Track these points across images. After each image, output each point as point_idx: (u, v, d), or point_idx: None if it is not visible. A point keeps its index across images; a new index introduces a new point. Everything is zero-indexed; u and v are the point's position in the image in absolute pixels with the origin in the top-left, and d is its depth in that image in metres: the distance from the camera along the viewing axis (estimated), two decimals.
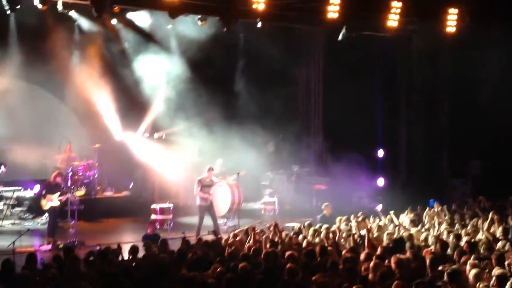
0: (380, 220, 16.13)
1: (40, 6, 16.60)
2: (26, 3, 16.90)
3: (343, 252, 11.95)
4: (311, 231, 14.20)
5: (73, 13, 20.25)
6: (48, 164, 20.35)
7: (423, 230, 14.80)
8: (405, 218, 16.36)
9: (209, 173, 18.42)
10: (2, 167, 19.48)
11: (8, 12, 16.93)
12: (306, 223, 15.56)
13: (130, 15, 21.45)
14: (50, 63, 20.67)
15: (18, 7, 16.76)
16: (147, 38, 22.28)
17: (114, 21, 21.31)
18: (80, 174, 20.72)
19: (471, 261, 10.75)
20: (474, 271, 10.07)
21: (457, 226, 15.34)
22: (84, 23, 21.16)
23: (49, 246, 16.39)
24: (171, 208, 18.67)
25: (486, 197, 18.09)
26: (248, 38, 23.27)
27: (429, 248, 12.46)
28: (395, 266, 10.49)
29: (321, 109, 24.82)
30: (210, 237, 15.14)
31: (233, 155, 21.40)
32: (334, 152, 23.82)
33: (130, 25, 21.90)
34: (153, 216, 18.76)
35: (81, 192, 20.13)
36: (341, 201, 21.04)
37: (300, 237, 14.12)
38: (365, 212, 16.54)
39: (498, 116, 21.87)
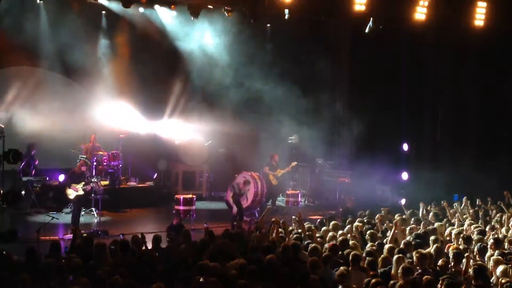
0: (404, 214, 16.05)
1: None
2: None
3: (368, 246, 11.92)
4: (332, 224, 14.15)
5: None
6: (74, 154, 20.45)
7: (447, 225, 14.70)
8: (430, 212, 16.27)
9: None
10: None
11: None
12: (328, 216, 15.53)
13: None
14: (77, 52, 20.79)
15: None
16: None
17: (141, 10, 21.40)
18: (105, 163, 20.82)
19: (495, 257, 10.67)
20: (501, 267, 9.99)
21: (481, 221, 15.22)
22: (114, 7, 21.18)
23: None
24: (194, 199, 18.72)
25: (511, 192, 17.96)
26: (274, 30, 23.25)
27: (453, 243, 12.38)
28: (417, 260, 10.43)
29: (346, 102, 24.71)
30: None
31: (259, 148, 21.42)
32: (358, 145, 23.74)
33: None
34: (176, 207, 18.82)
35: (105, 181, 20.20)
36: (364, 195, 21.03)
37: (323, 229, 14.06)
38: (389, 206, 16.46)
39: None
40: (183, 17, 21.19)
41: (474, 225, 14.01)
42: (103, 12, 21.73)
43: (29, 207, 19.11)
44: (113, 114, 21.61)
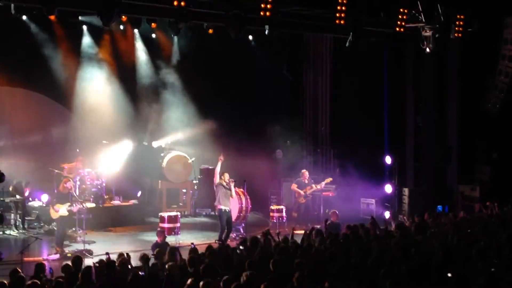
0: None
1: None
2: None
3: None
4: (318, 238, 14.14)
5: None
6: (56, 173, 20.34)
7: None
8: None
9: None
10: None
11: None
12: (314, 231, 15.52)
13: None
14: (56, 71, 20.75)
15: None
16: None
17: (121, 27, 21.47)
18: (88, 183, 20.72)
19: None
20: None
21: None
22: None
23: (57, 255, 16.38)
24: (179, 216, 18.66)
25: (494, 203, 18.06)
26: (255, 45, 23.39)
27: None
28: None
29: (328, 115, 24.80)
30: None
31: (240, 163, 21.42)
32: (341, 159, 23.81)
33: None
34: (160, 225, 18.75)
35: (91, 204, 20.08)
36: (348, 208, 21.07)
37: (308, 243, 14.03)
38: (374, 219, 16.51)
39: (507, 121, 21.83)
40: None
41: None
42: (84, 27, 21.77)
43: (13, 228, 18.97)
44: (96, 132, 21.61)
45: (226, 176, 18.45)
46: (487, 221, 16.00)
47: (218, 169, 18.55)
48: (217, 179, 18.41)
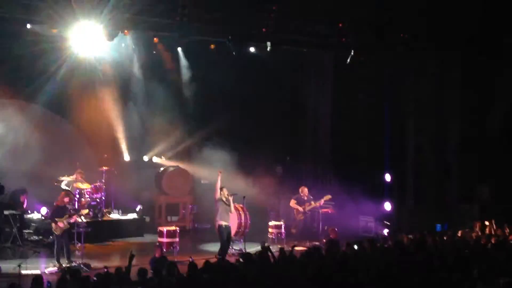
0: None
1: None
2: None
3: None
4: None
5: None
6: (55, 186, 20.32)
7: None
8: None
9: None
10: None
11: None
12: (313, 247, 15.51)
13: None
14: (59, 85, 20.78)
15: None
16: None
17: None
18: (87, 196, 20.72)
19: None
20: None
21: None
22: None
23: (55, 269, 16.34)
24: (178, 231, 18.64)
25: (493, 222, 18.06)
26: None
27: None
28: None
29: (328, 132, 24.79)
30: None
31: (240, 179, 21.42)
32: (341, 176, 23.78)
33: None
34: (159, 239, 18.73)
35: (87, 212, 19.99)
36: (347, 225, 21.04)
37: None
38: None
39: (507, 141, 21.85)
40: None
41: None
42: None
43: (10, 241, 18.94)
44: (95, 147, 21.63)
45: (225, 191, 18.43)
46: (487, 240, 15.99)
47: (218, 183, 18.51)
48: (217, 194, 18.37)
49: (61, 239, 16.98)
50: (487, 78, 21.89)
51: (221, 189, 18.42)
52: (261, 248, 14.34)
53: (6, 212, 19.22)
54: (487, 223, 18.31)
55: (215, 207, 18.43)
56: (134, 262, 12.87)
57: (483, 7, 20.17)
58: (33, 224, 20.04)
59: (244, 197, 19.64)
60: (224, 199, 18.30)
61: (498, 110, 22.21)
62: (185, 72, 22.92)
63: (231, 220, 18.69)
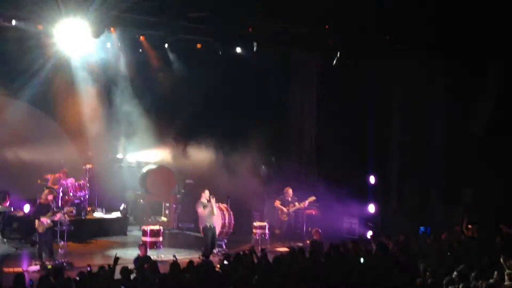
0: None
1: None
2: None
3: None
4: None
5: None
6: (39, 183, 20.21)
7: None
8: None
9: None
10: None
11: None
12: (297, 248, 15.50)
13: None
14: (43, 82, 20.67)
15: None
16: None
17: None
18: (71, 194, 20.62)
19: None
20: None
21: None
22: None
23: (37, 267, 16.25)
24: (161, 230, 18.59)
25: (476, 225, 18.12)
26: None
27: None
28: None
29: (313, 134, 24.80)
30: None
31: (224, 179, 21.39)
32: (325, 177, 23.78)
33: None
34: (143, 238, 18.67)
35: (71, 211, 19.91)
36: (331, 227, 21.06)
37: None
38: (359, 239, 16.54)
39: (492, 143, 21.90)
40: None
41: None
42: None
43: None
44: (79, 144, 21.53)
45: (207, 192, 18.45)
46: (468, 243, 16.05)
47: (202, 199, 18.48)
48: (199, 207, 18.38)
49: (44, 237, 16.90)
50: (471, 80, 21.94)
51: (202, 191, 18.46)
52: (248, 250, 14.30)
53: None
54: (470, 226, 18.36)
55: (199, 217, 18.52)
56: (119, 260, 12.83)
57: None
58: (15, 221, 19.90)
59: (228, 197, 19.63)
60: (205, 201, 18.32)
61: (482, 112, 22.26)
62: (171, 70, 22.82)
63: (215, 220, 18.69)
